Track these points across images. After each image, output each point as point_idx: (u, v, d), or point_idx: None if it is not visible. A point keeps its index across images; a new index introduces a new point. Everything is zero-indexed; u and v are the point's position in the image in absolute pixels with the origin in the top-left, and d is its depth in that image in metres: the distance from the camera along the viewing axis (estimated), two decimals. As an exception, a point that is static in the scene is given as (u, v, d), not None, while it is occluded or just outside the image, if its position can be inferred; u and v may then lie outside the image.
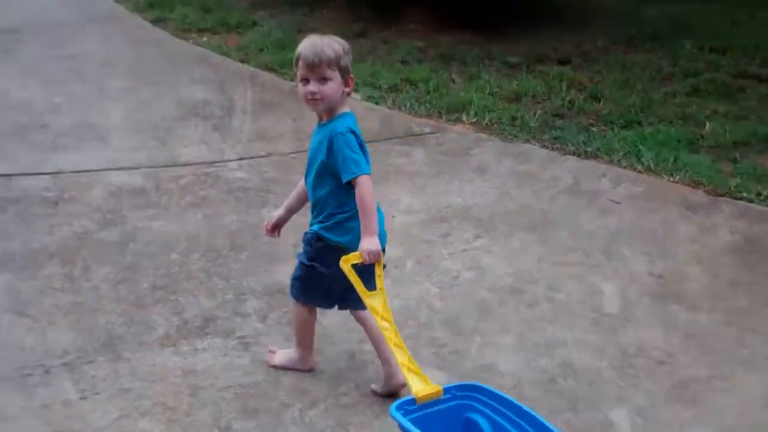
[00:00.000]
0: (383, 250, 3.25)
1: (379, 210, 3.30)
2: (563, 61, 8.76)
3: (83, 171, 5.60)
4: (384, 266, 3.28)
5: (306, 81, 3.28)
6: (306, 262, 3.42)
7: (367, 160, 3.27)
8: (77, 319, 3.94)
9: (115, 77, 7.87)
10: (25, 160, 5.77)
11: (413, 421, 2.92)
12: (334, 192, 3.31)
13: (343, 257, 3.19)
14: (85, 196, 5.25)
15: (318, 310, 3.61)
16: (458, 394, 3.10)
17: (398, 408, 3.00)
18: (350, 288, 3.22)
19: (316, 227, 3.37)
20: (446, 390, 3.08)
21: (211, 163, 5.85)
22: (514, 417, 2.96)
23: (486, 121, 6.89)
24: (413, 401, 3.03)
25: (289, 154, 6.01)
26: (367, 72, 7.95)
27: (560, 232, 4.95)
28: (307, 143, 3.46)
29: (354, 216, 3.26)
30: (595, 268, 4.56)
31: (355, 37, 9.10)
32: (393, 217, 5.01)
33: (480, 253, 4.67)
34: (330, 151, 3.25)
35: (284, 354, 3.70)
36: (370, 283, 3.21)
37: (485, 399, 3.07)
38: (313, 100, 3.27)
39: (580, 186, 5.65)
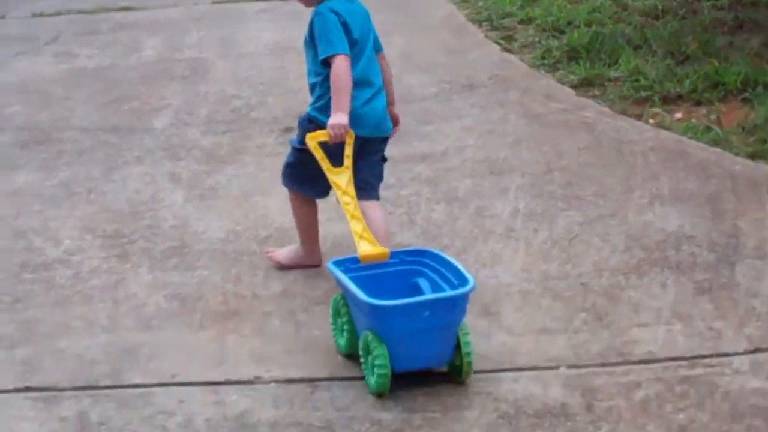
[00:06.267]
0: (368, 135, 3.30)
1: (378, 95, 3.35)
2: None
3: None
4: (384, 160, 3.42)
5: None
6: (297, 145, 3.42)
7: (355, 41, 3.28)
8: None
9: (510, 194, 4.24)
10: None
11: (353, 280, 2.81)
12: (323, 75, 3.31)
13: (309, 134, 3.22)
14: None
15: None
16: (407, 258, 3.01)
17: (337, 264, 2.89)
18: None
19: (308, 109, 3.40)
20: (394, 254, 3.00)
21: (695, 358, 3.18)
22: (458, 284, 2.82)
23: None
24: (356, 260, 2.95)
25: None
26: None
27: None
28: None
29: None
30: None
31: None
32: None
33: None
34: (311, 32, 3.33)
35: (288, 251, 3.59)
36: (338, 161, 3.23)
37: (434, 264, 2.96)
38: None
39: None
